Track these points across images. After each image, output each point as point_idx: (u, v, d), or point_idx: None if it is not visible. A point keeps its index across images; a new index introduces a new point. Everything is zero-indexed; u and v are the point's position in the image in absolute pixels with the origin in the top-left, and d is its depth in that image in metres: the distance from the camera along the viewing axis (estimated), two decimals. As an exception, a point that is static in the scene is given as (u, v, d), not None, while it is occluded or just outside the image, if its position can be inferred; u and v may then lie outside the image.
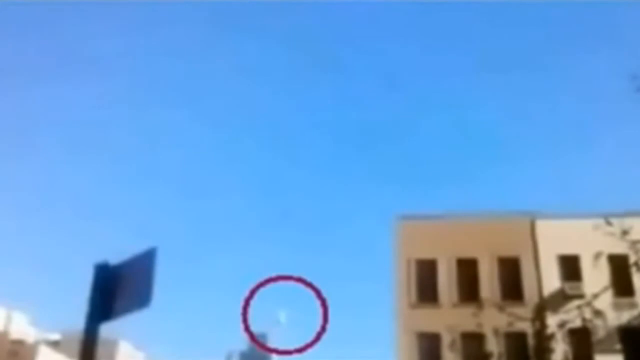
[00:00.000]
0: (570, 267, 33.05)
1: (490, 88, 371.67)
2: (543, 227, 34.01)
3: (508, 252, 33.67)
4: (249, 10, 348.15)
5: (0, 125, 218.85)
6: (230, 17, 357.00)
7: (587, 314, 31.68)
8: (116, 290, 5.32)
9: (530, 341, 31.36)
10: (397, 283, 33.57)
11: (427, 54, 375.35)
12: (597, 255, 32.72)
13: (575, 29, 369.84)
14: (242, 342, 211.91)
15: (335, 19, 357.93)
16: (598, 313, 31.65)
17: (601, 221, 32.94)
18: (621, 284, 32.41)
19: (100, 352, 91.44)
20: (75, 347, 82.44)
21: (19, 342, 79.74)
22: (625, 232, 32.58)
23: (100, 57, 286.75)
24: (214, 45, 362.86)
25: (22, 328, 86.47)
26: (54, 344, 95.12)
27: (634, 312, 31.83)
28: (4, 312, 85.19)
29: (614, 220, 32.87)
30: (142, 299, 4.97)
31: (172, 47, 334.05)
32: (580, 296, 32.06)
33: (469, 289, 33.17)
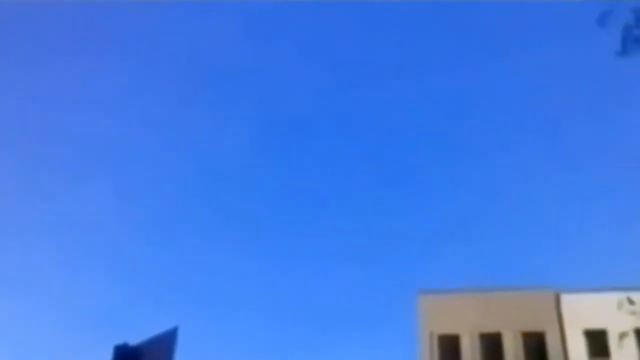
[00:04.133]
0: (597, 342, 32.38)
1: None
2: (568, 301, 33.52)
3: (533, 326, 33.12)
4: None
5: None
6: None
7: (616, 391, 30.83)
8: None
9: (558, 419, 30.48)
10: (420, 358, 33.06)
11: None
12: (623, 335, 32.09)
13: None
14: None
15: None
16: (627, 390, 30.81)
17: (624, 296, 32.46)
18: (650, 360, 31.63)
19: None
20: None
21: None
22: None
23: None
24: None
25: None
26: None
27: (665, 390, 30.91)
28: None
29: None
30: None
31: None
32: (608, 372, 31.30)
33: (493, 365, 32.56)
